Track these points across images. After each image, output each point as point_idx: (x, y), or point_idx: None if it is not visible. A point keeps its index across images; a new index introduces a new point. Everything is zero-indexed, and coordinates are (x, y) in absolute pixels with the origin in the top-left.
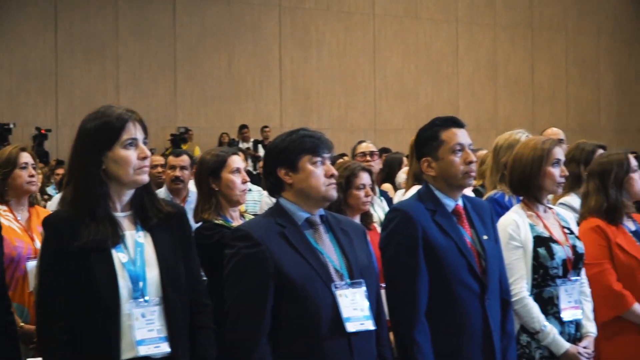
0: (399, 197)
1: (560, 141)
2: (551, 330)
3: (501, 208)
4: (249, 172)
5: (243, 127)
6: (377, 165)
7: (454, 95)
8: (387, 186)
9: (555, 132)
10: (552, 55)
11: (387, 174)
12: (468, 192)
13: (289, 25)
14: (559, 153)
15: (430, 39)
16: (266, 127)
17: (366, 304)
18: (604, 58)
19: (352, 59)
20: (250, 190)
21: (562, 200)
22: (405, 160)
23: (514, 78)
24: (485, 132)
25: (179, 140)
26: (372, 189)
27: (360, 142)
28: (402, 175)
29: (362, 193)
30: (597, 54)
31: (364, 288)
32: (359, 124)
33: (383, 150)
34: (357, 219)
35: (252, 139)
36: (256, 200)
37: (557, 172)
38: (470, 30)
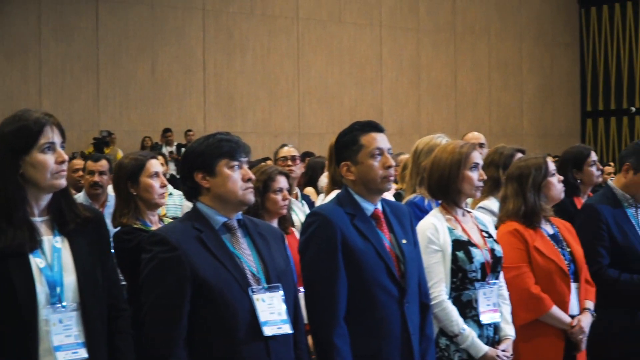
0: (320, 201)
1: (481, 145)
2: (470, 334)
3: (421, 212)
4: (172, 176)
5: (167, 130)
6: (298, 169)
7: (377, 99)
8: (309, 190)
9: (476, 136)
10: (475, 59)
11: (310, 178)
12: (389, 195)
13: (212, 29)
14: (477, 157)
15: (353, 43)
16: (190, 130)
17: (283, 307)
18: (526, 62)
19: (275, 62)
20: (171, 194)
21: (481, 204)
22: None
23: (437, 82)
24: (408, 137)
25: (101, 144)
26: (290, 193)
27: (282, 146)
28: (324, 179)
29: (279, 197)
30: (520, 59)
31: (281, 292)
32: (283, 127)
33: (306, 154)
34: (274, 223)
35: (175, 143)
36: (177, 204)
37: (476, 176)
38: (394, 35)
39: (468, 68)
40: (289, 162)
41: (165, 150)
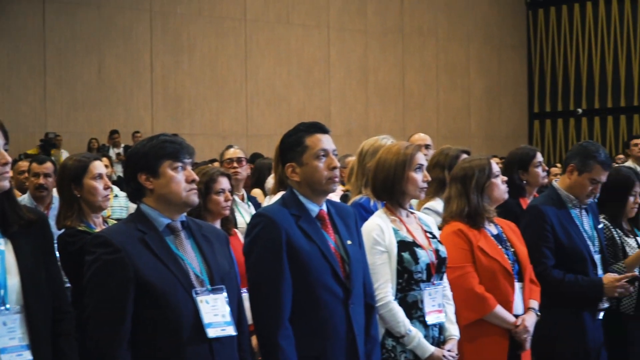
0: (267, 202)
1: (427, 147)
2: (416, 334)
3: (366, 213)
4: (119, 178)
5: (114, 132)
6: (244, 171)
7: (325, 101)
8: (257, 191)
9: (422, 137)
10: (423, 61)
11: (257, 180)
12: (336, 197)
13: (160, 30)
14: (421, 158)
15: (301, 45)
16: (137, 132)
17: (227, 309)
18: (474, 64)
19: (223, 64)
20: (117, 196)
21: (427, 205)
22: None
23: (384, 84)
24: (356, 138)
25: (48, 146)
26: (232, 194)
27: (228, 147)
28: (271, 181)
29: (221, 198)
30: (467, 61)
31: (224, 294)
32: (231, 129)
33: (255, 156)
34: (217, 224)
35: (123, 145)
36: (123, 206)
37: (420, 177)
38: (342, 37)
39: (416, 70)
40: (235, 164)
41: (113, 152)
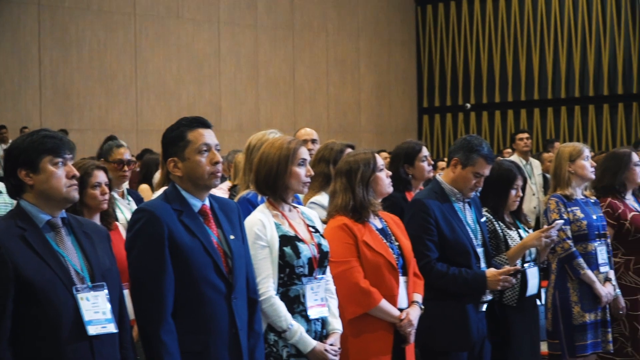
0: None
1: (313, 141)
2: (298, 329)
3: (253, 207)
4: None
5: (1, 127)
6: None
7: (216, 96)
8: (144, 187)
9: (309, 132)
10: (313, 56)
11: (145, 175)
12: (223, 192)
13: (48, 24)
14: (304, 153)
15: (191, 39)
16: (25, 127)
17: (108, 306)
18: (363, 59)
19: (113, 58)
20: (1, 192)
21: (312, 199)
22: None
23: (275, 79)
24: (247, 133)
25: None
26: (111, 188)
27: (118, 145)
28: (158, 177)
29: (98, 192)
30: (357, 56)
31: (105, 291)
32: (121, 124)
33: (145, 151)
34: (96, 219)
35: (10, 140)
36: (7, 202)
37: (303, 172)
38: (232, 31)
39: (306, 65)
40: (125, 168)
41: (0, 148)
